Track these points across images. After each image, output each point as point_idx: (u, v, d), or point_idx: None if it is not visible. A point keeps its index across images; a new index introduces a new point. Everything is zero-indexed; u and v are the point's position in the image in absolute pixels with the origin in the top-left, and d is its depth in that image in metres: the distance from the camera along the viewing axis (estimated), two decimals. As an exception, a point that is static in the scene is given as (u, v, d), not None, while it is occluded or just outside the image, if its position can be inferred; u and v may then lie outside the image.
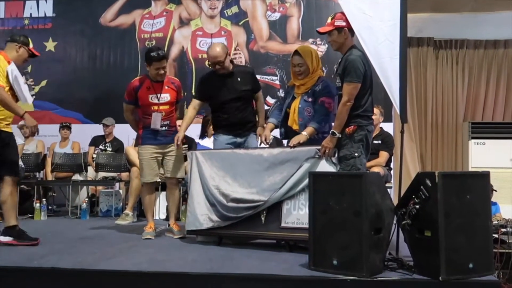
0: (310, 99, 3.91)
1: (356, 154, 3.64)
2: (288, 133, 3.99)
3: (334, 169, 3.59)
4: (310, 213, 3.20)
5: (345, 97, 3.59)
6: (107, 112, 6.96)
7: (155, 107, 4.43)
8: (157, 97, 4.43)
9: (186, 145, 6.03)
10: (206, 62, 4.33)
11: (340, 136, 3.65)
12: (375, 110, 4.84)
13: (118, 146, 6.85)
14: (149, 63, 4.36)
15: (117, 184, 6.61)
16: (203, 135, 5.97)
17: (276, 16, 7.45)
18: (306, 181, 3.47)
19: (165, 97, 4.44)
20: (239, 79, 4.36)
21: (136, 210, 5.97)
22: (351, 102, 3.59)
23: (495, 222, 4.53)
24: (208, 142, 5.81)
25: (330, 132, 3.66)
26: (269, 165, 3.81)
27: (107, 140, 6.98)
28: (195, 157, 4.20)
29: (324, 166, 3.62)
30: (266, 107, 7.17)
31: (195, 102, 4.41)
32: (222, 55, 4.25)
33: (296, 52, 4.00)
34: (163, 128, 4.47)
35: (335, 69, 3.79)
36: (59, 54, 7.83)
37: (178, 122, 5.23)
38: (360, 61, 3.58)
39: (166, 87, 4.46)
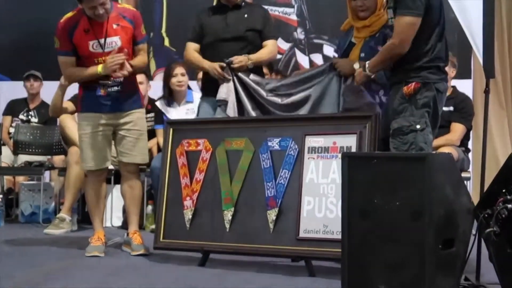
0: (379, 47, 4.01)
1: (418, 127, 3.66)
2: None
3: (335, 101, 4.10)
4: (344, 217, 3.20)
5: (394, 37, 3.67)
6: (32, 64, 6.98)
7: (100, 59, 4.42)
8: (101, 44, 4.42)
9: (153, 114, 6.06)
10: None
11: (370, 75, 3.82)
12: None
13: (48, 115, 6.81)
14: (79, 1, 4.34)
15: (47, 174, 6.63)
16: (169, 99, 5.97)
17: None
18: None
19: (113, 41, 4.43)
20: (246, 15, 4.69)
21: (77, 213, 6.01)
22: (403, 47, 3.65)
23: None
24: (178, 112, 5.85)
25: (364, 64, 3.82)
26: None
27: (31, 105, 6.97)
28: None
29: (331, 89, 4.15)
30: (278, 56, 7.18)
31: (194, 46, 4.77)
32: None
33: None
34: (115, 88, 4.48)
35: (385, 1, 3.85)
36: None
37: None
38: None
39: (114, 26, 4.43)
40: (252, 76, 4.47)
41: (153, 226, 5.06)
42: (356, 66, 3.99)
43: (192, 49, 4.74)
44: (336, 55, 4.64)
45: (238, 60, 4.49)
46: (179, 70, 5.79)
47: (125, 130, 4.56)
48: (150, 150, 5.76)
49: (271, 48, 4.75)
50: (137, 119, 4.58)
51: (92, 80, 4.45)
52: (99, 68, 4.38)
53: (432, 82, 3.69)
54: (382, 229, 3.07)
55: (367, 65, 3.83)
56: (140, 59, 4.56)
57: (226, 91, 4.46)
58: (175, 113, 5.83)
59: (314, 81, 4.27)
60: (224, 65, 4.46)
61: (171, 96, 5.91)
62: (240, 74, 4.47)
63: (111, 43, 4.42)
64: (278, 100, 4.33)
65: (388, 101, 3.90)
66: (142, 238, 4.57)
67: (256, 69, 4.62)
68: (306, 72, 4.58)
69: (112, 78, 4.41)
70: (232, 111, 4.43)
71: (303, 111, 4.25)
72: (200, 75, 5.39)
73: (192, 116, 5.54)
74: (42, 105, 6.95)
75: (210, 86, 4.66)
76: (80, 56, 4.46)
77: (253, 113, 4.39)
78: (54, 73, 4.71)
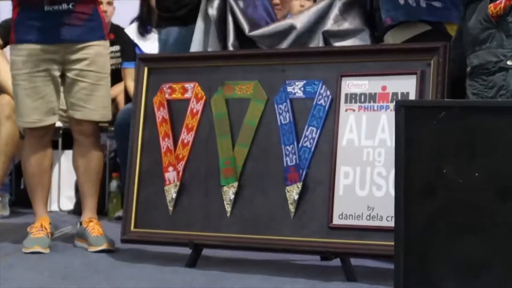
0: None
1: (509, 63, 3.66)
2: None
3: None
4: (399, 195, 3.19)
5: None
6: None
7: None
8: None
9: (118, 47, 6.04)
10: None
11: None
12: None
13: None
14: None
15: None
16: (144, 26, 5.98)
17: None
18: None
19: None
20: None
21: (9, 191, 6.07)
22: None
23: None
24: (153, 43, 5.87)
25: None
26: None
27: None
28: None
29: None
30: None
31: None
32: None
33: None
34: (64, 6, 4.49)
35: None
36: None
37: None
38: None
39: None
40: None
41: (119, 212, 5.07)
42: None
43: None
44: None
45: None
46: None
47: (76, 70, 4.57)
48: (114, 101, 5.76)
49: None
50: (95, 55, 4.59)
51: None
52: None
53: None
54: (455, 213, 3.06)
55: None
56: None
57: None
58: (152, 46, 5.82)
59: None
60: None
61: (149, 20, 5.89)
62: None
63: None
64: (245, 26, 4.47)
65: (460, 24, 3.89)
66: (102, 227, 4.60)
67: None
68: None
69: None
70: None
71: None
72: None
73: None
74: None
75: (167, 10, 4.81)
76: None
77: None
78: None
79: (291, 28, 4.42)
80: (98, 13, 4.65)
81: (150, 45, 5.83)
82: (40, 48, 4.52)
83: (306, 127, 3.98)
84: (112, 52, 5.58)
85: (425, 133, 3.15)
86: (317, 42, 4.40)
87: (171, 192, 4.21)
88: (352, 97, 3.93)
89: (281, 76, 4.06)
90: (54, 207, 5.95)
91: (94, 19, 4.60)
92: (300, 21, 4.48)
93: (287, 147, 4.00)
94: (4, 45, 5.58)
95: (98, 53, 4.61)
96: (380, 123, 3.85)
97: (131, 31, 5.93)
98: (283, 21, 4.59)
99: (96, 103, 4.60)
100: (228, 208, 4.07)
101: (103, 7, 5.80)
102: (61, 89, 4.66)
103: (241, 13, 4.57)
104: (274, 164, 4.02)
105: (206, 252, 4.14)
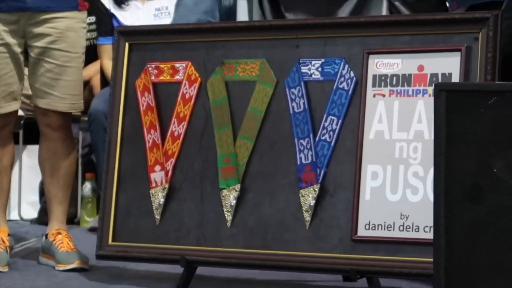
0: None
1: None
2: None
3: None
4: (440, 200, 3.20)
5: None
6: None
7: None
8: None
9: (93, 18, 6.06)
10: None
11: None
12: None
13: None
14: None
15: None
16: None
17: None
18: None
19: None
20: None
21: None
22: None
23: None
24: (139, 14, 5.92)
25: None
26: None
27: None
28: None
29: None
30: None
31: None
32: None
33: None
34: None
35: None
36: None
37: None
38: None
39: None
40: None
41: (94, 222, 5.08)
42: None
43: None
44: None
45: None
46: None
47: (40, 48, 4.59)
48: (87, 84, 5.76)
49: None
50: (64, 30, 4.60)
51: None
52: None
53: None
54: (507, 220, 3.05)
55: None
56: None
57: None
58: (134, 16, 5.86)
59: None
60: None
61: None
62: None
63: None
64: None
65: None
66: (72, 241, 4.61)
67: None
68: None
69: None
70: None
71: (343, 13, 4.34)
72: None
73: (166, 21, 5.56)
74: None
75: None
76: None
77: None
78: None
79: None
80: None
81: (130, 16, 5.83)
82: (-3, 18, 4.55)
83: (324, 116, 3.99)
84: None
85: (471, 124, 3.14)
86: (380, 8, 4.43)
87: (158, 196, 4.21)
88: (382, 80, 3.93)
89: (294, 53, 4.07)
90: (13, 215, 5.98)
91: None
92: None
93: (301, 141, 4.00)
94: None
95: (69, 27, 4.62)
96: (416, 111, 3.85)
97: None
98: None
99: (64, 89, 4.61)
100: (228, 216, 4.08)
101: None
102: (26, 70, 4.67)
103: None
104: (285, 162, 4.04)
105: (201, 270, 4.15)
